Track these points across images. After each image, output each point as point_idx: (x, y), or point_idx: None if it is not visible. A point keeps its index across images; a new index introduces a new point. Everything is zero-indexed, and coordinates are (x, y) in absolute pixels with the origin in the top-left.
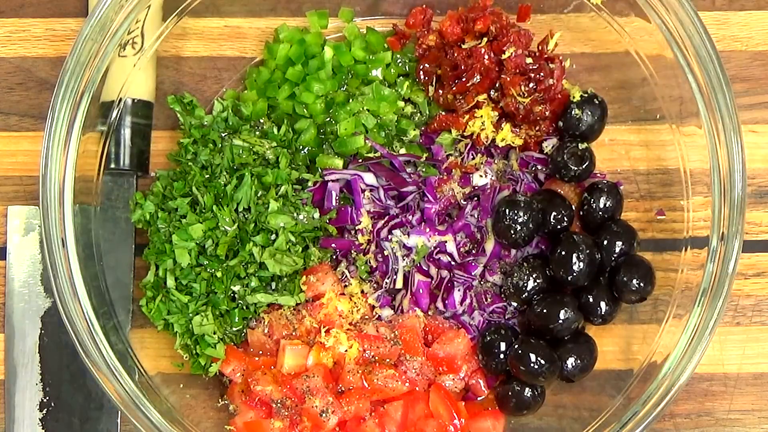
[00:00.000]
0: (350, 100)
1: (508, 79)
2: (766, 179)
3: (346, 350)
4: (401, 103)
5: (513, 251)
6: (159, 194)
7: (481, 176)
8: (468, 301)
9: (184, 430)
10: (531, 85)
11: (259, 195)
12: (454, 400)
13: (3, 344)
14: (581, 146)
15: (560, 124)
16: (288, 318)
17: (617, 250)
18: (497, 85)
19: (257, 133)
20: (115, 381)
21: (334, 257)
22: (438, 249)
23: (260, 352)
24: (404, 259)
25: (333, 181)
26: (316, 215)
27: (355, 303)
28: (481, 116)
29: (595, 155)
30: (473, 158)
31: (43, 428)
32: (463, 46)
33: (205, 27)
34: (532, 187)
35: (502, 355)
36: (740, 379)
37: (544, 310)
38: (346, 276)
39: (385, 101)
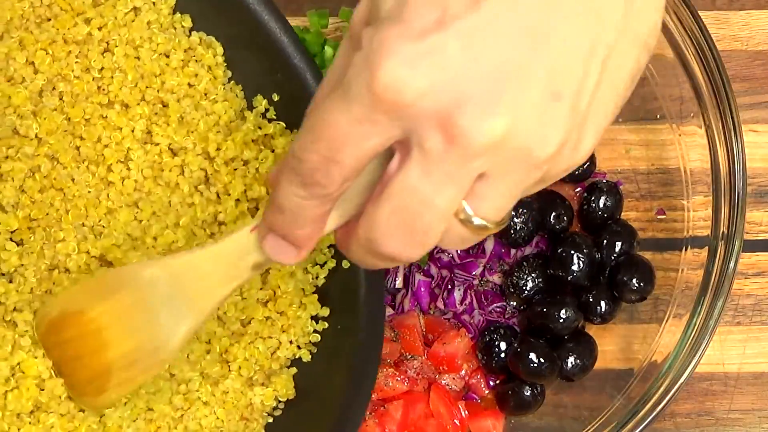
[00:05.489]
0: None
1: None
2: (766, 179)
3: None
4: None
5: (513, 251)
6: None
7: None
8: (468, 300)
9: None
10: None
11: None
12: (454, 400)
13: None
14: None
15: None
16: None
17: (617, 249)
18: None
19: None
20: None
21: None
22: (438, 248)
23: None
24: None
25: None
26: None
27: None
28: None
29: (595, 155)
30: None
31: None
32: None
33: None
34: None
35: (502, 355)
36: (740, 378)
37: (544, 310)
38: None
39: None
